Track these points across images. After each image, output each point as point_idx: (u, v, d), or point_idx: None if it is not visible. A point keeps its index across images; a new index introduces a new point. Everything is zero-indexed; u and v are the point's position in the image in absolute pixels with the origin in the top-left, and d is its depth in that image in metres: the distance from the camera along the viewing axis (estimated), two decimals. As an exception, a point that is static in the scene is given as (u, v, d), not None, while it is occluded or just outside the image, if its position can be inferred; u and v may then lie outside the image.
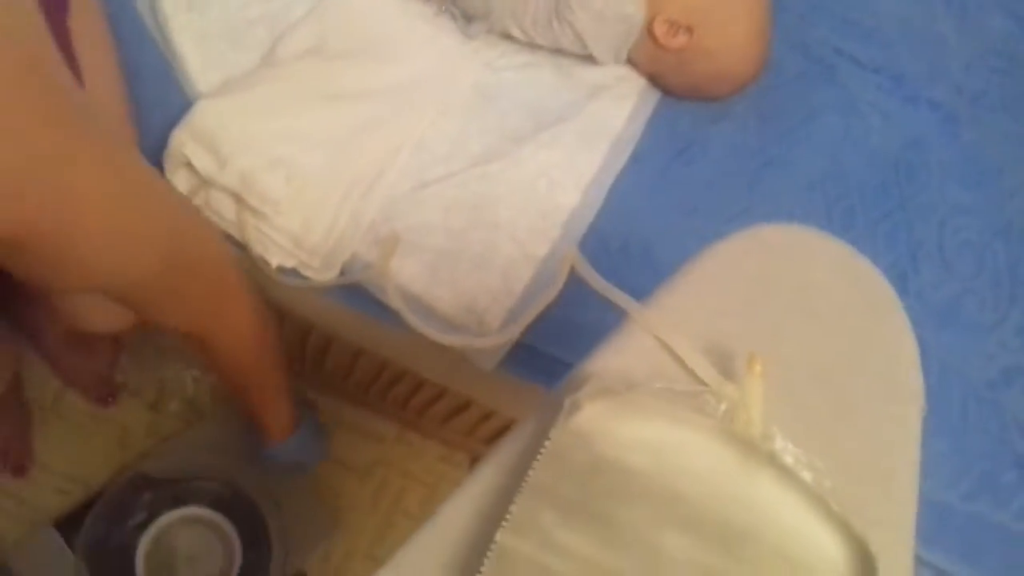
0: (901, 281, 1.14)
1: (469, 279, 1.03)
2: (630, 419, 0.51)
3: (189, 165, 0.99)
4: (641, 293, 1.08)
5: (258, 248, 1.01)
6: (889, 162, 1.20)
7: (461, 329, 1.03)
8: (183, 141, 0.98)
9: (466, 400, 1.23)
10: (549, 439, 0.50)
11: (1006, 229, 1.19)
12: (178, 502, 1.26)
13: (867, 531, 0.48)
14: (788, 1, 1.23)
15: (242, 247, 1.02)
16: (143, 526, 1.24)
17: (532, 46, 1.15)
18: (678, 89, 1.15)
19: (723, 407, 0.53)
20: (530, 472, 0.49)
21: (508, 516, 0.47)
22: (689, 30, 1.08)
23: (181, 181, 1.00)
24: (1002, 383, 1.13)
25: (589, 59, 1.14)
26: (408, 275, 1.02)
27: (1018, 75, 1.29)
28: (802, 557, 0.49)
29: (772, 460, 0.52)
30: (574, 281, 1.06)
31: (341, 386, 1.41)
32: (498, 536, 0.47)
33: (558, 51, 1.14)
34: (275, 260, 1.01)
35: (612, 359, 0.58)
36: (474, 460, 1.54)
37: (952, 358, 1.11)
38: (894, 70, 1.25)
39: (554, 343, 1.05)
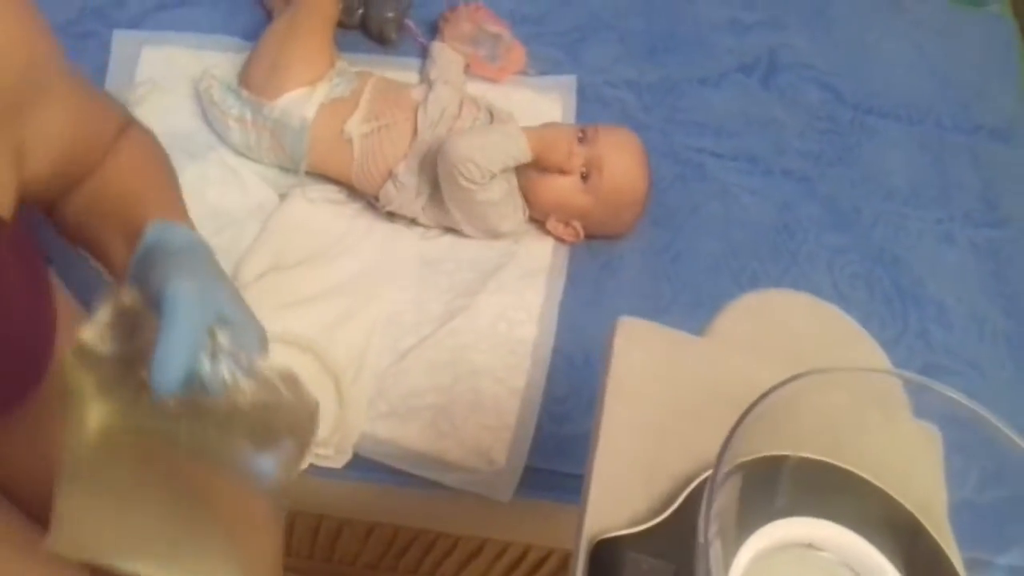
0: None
1: (468, 424, 1.14)
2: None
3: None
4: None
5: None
6: (770, 228, 1.40)
7: (474, 471, 1.13)
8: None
9: (479, 543, 1.31)
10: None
11: (878, 255, 1.40)
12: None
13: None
14: (647, 119, 1.44)
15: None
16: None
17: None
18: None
19: None
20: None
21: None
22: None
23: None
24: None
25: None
26: (412, 437, 1.12)
27: (840, 132, 1.54)
28: None
29: None
30: (557, 401, 1.19)
31: (349, 572, 1.45)
32: None
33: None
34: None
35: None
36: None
37: (878, 373, 1.28)
38: (747, 153, 1.46)
39: (554, 460, 1.16)
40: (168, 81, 1.32)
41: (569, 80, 1.44)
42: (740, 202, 1.42)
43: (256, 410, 0.60)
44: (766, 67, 1.55)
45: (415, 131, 1.24)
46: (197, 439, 0.61)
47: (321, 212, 1.25)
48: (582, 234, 1.27)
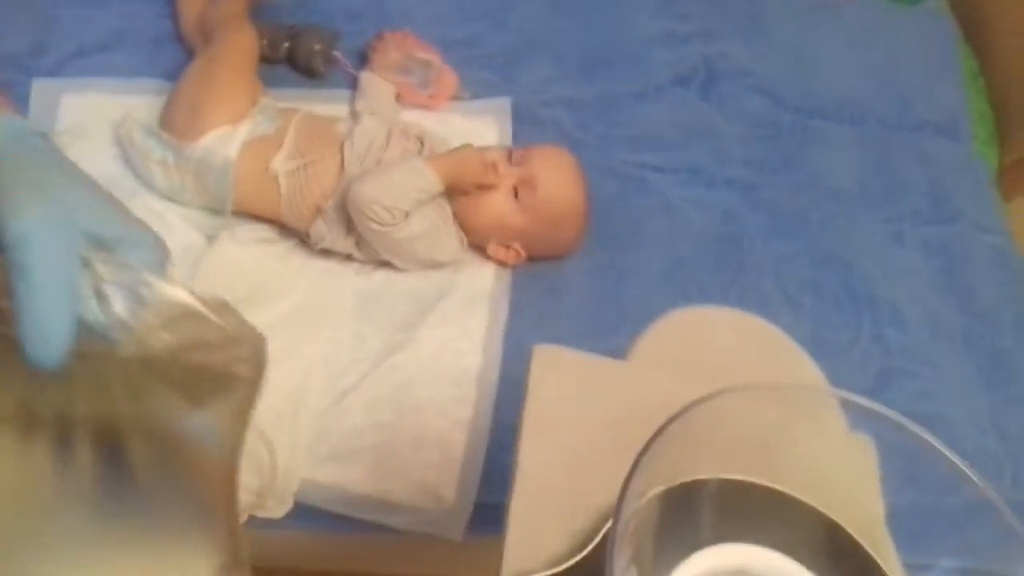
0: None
1: (413, 462, 1.10)
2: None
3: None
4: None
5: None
6: (715, 239, 1.37)
7: (422, 511, 1.09)
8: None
9: (438, 581, 1.27)
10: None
11: (827, 259, 1.38)
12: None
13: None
14: (585, 137, 1.42)
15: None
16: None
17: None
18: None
19: None
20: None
21: None
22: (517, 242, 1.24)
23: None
24: (880, 387, 1.28)
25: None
26: (356, 480, 1.08)
27: (783, 137, 1.52)
28: None
29: None
30: (507, 430, 1.15)
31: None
32: None
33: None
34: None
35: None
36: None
37: (832, 381, 1.25)
38: (688, 165, 1.44)
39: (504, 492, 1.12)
40: (89, 127, 1.28)
41: (503, 102, 1.42)
42: (684, 215, 1.39)
43: (180, 351, 0.46)
44: (703, 77, 1.54)
45: (343, 166, 1.21)
46: (105, 407, 0.46)
47: (251, 252, 1.22)
48: (523, 254, 1.25)
